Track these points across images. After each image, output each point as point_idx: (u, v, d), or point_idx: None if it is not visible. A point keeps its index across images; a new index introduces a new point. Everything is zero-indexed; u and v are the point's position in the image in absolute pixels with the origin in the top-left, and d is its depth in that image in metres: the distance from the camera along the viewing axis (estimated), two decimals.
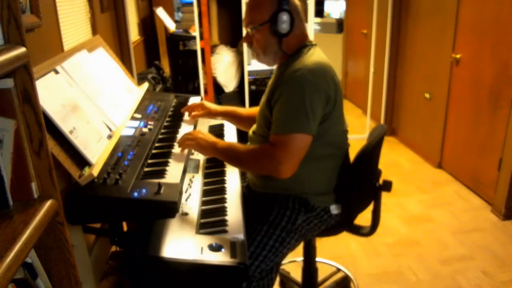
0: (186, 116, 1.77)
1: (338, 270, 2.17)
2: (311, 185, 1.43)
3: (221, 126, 1.95)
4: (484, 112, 2.85)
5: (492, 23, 2.72)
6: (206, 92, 3.68)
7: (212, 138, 1.45)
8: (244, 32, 1.48)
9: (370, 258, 2.36)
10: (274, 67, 1.50)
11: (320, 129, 1.34)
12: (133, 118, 1.61)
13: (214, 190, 1.46)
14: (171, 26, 3.84)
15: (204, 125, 1.91)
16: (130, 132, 1.49)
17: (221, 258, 1.12)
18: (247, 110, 1.79)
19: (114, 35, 3.15)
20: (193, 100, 1.98)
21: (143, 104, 1.78)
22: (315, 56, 1.38)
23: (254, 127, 1.57)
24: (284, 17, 1.35)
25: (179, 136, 1.56)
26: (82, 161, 1.18)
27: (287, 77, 1.33)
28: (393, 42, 3.94)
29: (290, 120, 1.29)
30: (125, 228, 1.56)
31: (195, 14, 3.42)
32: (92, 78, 1.53)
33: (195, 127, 1.71)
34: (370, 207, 1.60)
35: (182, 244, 1.16)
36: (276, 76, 1.44)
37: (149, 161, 1.34)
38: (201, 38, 3.46)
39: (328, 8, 6.11)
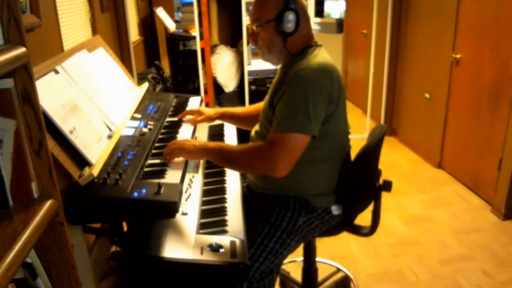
0: (186, 117, 1.76)
1: (338, 270, 2.17)
2: (312, 186, 1.42)
3: (221, 126, 1.95)
4: (484, 112, 2.85)
5: (492, 23, 2.72)
6: (206, 92, 3.68)
7: (199, 141, 1.41)
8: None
9: (370, 258, 2.36)
10: (278, 66, 1.49)
11: (322, 130, 1.33)
12: (133, 118, 1.61)
13: (214, 190, 1.46)
14: (171, 26, 3.84)
15: (204, 126, 1.91)
16: (130, 132, 1.49)
17: (221, 258, 1.12)
18: (244, 109, 1.79)
19: (114, 35, 3.15)
20: (193, 100, 1.99)
21: (143, 104, 1.78)
22: (320, 56, 1.37)
23: (256, 127, 1.55)
24: (290, 16, 1.34)
25: (179, 136, 1.56)
26: (82, 161, 1.18)
27: (290, 76, 1.32)
28: (393, 42, 3.94)
29: (290, 119, 1.28)
30: (125, 228, 1.56)
31: (195, 14, 3.42)
32: (92, 78, 1.53)
33: (195, 127, 1.71)
34: (370, 207, 1.60)
35: (182, 244, 1.16)
36: (279, 76, 1.43)
37: (149, 161, 1.34)
38: (201, 38, 3.46)
39: (328, 8, 6.10)
